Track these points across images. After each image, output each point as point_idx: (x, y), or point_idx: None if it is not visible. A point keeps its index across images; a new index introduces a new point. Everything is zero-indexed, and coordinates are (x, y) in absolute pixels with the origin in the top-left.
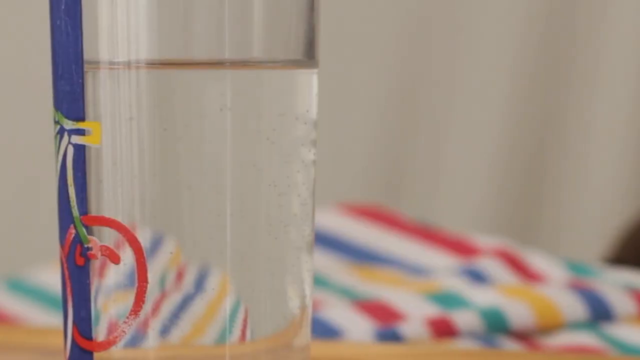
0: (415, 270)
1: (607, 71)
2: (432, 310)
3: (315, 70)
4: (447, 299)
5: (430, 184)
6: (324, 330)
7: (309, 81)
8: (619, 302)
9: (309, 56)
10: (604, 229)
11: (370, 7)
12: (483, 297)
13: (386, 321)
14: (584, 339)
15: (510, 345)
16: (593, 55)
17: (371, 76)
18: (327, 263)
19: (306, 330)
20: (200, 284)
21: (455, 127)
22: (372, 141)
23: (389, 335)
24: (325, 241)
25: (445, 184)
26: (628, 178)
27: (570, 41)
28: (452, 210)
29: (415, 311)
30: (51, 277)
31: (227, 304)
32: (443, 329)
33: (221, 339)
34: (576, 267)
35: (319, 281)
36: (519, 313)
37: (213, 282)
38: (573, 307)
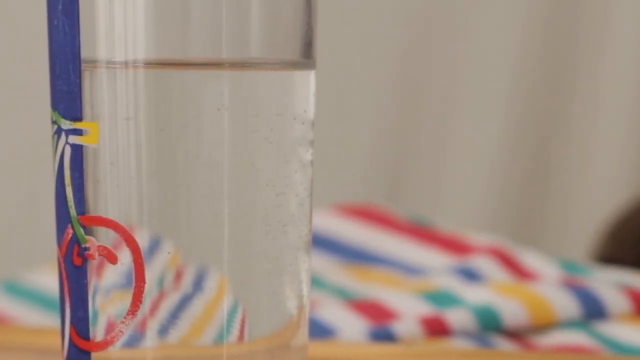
0: (409, 270)
1: (610, 74)
2: (425, 309)
3: (313, 71)
4: (441, 298)
5: (432, 183)
6: (317, 330)
7: (307, 81)
8: (612, 299)
9: (306, 56)
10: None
11: (372, 5)
12: (476, 295)
13: (380, 320)
14: (577, 338)
15: (503, 345)
16: (596, 55)
17: (373, 75)
18: (321, 264)
19: (304, 330)
20: (198, 283)
21: (457, 126)
22: (374, 140)
23: (383, 334)
24: (318, 242)
25: (447, 182)
26: (631, 182)
27: (572, 41)
28: (454, 209)
29: (409, 310)
30: (49, 280)
31: (225, 304)
32: (436, 328)
33: (219, 339)
34: (569, 266)
35: (314, 281)
36: (511, 311)
37: (211, 282)
38: (566, 305)
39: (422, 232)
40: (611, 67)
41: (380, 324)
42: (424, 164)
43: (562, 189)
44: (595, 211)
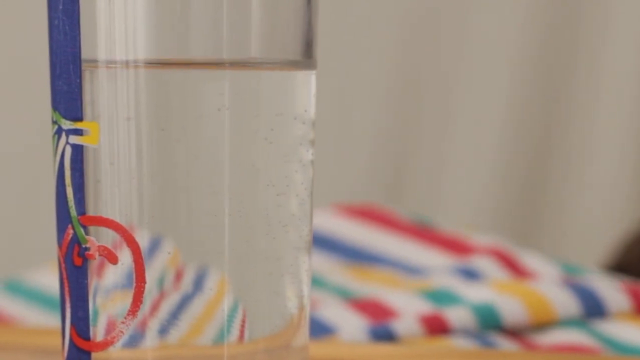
0: (410, 270)
1: (610, 74)
2: (425, 307)
3: (314, 71)
4: (440, 296)
5: (432, 183)
6: (317, 328)
7: (307, 81)
8: (612, 297)
9: (307, 56)
10: (605, 233)
11: (373, 6)
12: (476, 293)
13: (379, 318)
14: (577, 336)
15: (503, 343)
16: (596, 56)
17: (372, 75)
18: (322, 264)
19: (304, 330)
20: (198, 284)
21: (457, 126)
22: (374, 140)
23: (382, 332)
24: (319, 242)
25: (447, 183)
26: (631, 183)
27: (572, 42)
28: (455, 209)
29: (409, 308)
30: (49, 279)
31: (225, 304)
32: (436, 326)
33: (219, 339)
34: (570, 268)
35: (315, 281)
36: (511, 309)
37: (211, 282)
38: (566, 303)
39: (423, 233)
40: (612, 71)
41: (380, 322)
42: (424, 164)
43: (563, 189)
44: (595, 215)
